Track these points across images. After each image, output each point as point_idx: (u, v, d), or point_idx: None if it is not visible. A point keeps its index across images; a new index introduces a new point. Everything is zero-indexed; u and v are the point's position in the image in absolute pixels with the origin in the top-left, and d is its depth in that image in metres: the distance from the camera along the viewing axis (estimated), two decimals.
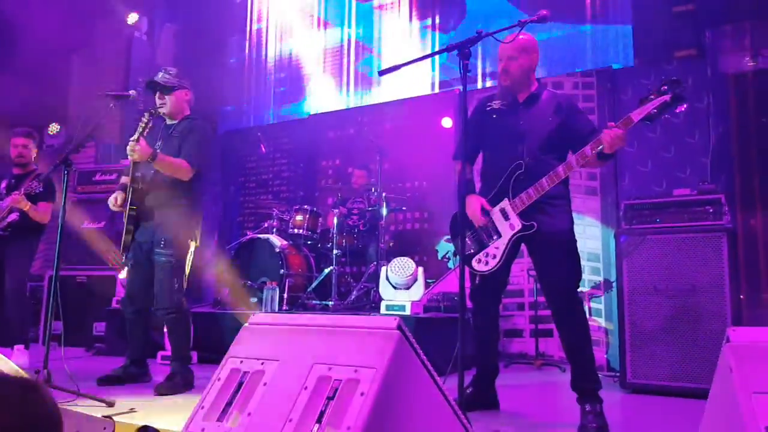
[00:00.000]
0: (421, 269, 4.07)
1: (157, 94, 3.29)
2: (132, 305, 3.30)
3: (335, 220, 4.89)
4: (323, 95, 6.75)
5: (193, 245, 3.29)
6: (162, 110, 3.29)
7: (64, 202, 2.99)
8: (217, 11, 7.60)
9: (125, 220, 3.19)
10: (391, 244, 5.22)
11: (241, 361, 1.47)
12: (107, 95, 3.36)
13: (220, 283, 5.32)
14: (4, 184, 4.21)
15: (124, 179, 3.33)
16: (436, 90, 6.02)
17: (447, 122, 5.54)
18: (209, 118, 7.38)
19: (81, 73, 7.61)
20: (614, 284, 3.78)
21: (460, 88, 2.30)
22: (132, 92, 3.23)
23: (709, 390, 1.52)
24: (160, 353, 4.16)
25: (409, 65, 2.29)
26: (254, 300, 4.75)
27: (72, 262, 5.19)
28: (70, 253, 5.05)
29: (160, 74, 3.33)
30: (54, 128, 7.04)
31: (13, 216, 4.04)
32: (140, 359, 3.36)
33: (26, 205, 3.96)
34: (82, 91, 7.48)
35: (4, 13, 7.24)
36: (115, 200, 3.23)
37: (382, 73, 2.28)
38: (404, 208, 5.40)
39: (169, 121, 3.35)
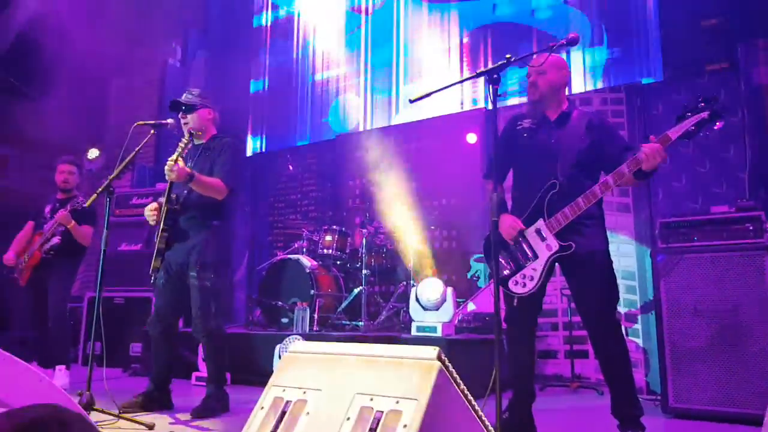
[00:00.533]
0: (450, 289, 4.06)
1: (180, 114, 3.33)
2: (160, 324, 3.29)
3: (363, 240, 4.92)
4: (351, 116, 6.83)
5: (226, 266, 3.31)
6: (188, 131, 3.29)
7: (107, 227, 3.07)
8: (246, 38, 7.80)
9: (157, 239, 3.20)
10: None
11: (284, 390, 1.49)
12: (146, 124, 3.47)
13: (252, 303, 5.38)
14: (48, 209, 4.38)
15: (160, 200, 3.35)
16: (466, 107, 6.03)
17: (472, 138, 5.55)
18: (240, 140, 7.56)
19: (117, 99, 7.88)
20: (652, 304, 3.70)
21: (488, 106, 2.31)
22: (170, 121, 3.30)
23: (756, 415, 1.47)
24: (195, 374, 4.22)
25: (439, 92, 2.31)
26: (285, 320, 4.79)
27: (109, 284, 5.32)
28: (107, 275, 5.17)
29: (184, 95, 3.39)
30: (93, 153, 7.25)
31: (56, 240, 4.18)
32: (163, 383, 3.32)
33: (70, 222, 4.09)
34: (118, 117, 7.73)
35: (44, 43, 7.55)
36: (150, 208, 3.23)
37: (413, 101, 2.30)
38: (433, 227, 5.40)
39: (197, 141, 3.37)
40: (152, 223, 3.27)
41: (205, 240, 3.21)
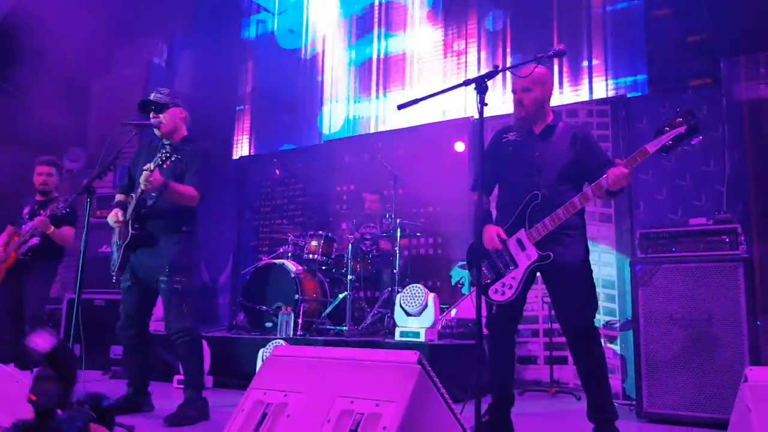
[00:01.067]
0: (432, 296, 4.08)
1: (152, 114, 3.24)
2: (131, 329, 3.25)
3: (349, 246, 4.93)
4: (338, 121, 6.86)
5: (197, 270, 3.29)
6: (159, 130, 3.23)
7: (87, 228, 3.04)
8: (234, 38, 7.80)
9: (119, 241, 3.16)
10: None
11: (265, 393, 1.50)
12: (130, 124, 3.44)
13: (236, 307, 5.36)
14: (27, 210, 4.31)
15: (120, 197, 3.29)
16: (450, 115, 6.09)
17: (459, 146, 5.59)
18: (226, 143, 7.54)
19: (100, 98, 7.81)
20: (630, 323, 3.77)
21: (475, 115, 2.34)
22: (154, 120, 3.25)
23: (725, 420, 1.52)
24: (176, 377, 4.19)
25: (427, 99, 2.34)
26: (269, 325, 4.78)
27: (89, 286, 5.26)
28: (87, 277, 5.11)
29: (153, 94, 3.30)
30: (73, 154, 7.19)
31: (34, 240, 4.13)
32: (142, 386, 3.28)
33: (50, 228, 4.04)
34: (101, 117, 7.66)
35: (25, 39, 7.48)
36: (116, 215, 3.17)
37: (401, 107, 2.34)
38: (419, 234, 5.43)
39: (166, 141, 3.26)
40: (115, 227, 3.21)
41: (175, 245, 3.16)
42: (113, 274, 3.25)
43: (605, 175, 2.42)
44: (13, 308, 4.19)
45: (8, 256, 4.14)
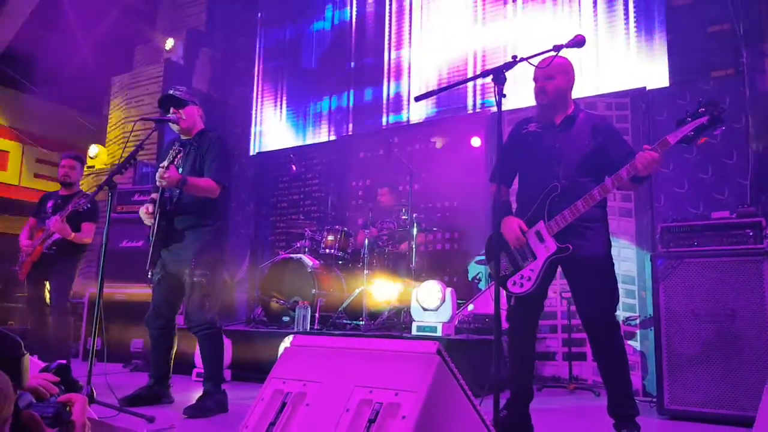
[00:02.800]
0: (449, 291, 4.06)
1: (171, 110, 3.30)
2: (157, 320, 3.31)
3: (366, 241, 4.94)
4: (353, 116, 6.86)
5: (222, 264, 3.31)
6: (178, 125, 3.29)
7: (108, 223, 3.09)
8: (251, 35, 7.84)
9: (152, 238, 3.22)
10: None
11: (284, 382, 1.51)
12: (149, 119, 3.50)
13: (254, 301, 5.40)
14: (50, 204, 4.38)
15: (155, 195, 3.34)
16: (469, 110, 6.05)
17: (476, 141, 5.56)
18: (243, 138, 7.59)
19: (120, 97, 7.91)
20: (651, 320, 3.71)
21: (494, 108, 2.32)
22: (173, 116, 3.31)
23: (750, 417, 1.49)
24: (195, 370, 4.23)
25: (444, 91, 2.33)
26: (286, 319, 4.81)
27: (110, 280, 5.33)
28: (108, 271, 5.18)
29: (171, 91, 3.37)
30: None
31: (57, 235, 4.19)
32: (163, 378, 3.34)
33: (70, 235, 4.12)
34: (121, 115, 7.76)
35: (47, 40, 7.60)
36: (146, 209, 3.23)
37: (418, 98, 2.32)
38: (435, 229, 5.41)
39: (184, 137, 3.35)
40: (148, 223, 3.28)
41: (200, 240, 3.21)
42: (147, 270, 3.31)
43: (629, 165, 2.38)
44: (38, 301, 4.27)
45: (33, 250, 4.22)
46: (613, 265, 2.59)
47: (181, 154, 3.23)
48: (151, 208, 3.24)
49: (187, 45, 7.65)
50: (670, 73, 4.85)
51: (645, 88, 4.88)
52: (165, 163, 3.11)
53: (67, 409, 0.95)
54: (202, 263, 3.18)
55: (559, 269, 2.67)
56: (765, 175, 4.18)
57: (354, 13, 7.00)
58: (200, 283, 3.16)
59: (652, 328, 3.46)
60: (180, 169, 3.19)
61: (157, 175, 3.07)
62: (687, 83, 4.66)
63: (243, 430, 1.44)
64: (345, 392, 1.39)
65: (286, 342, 3.94)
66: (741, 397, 2.95)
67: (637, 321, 4.41)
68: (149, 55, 7.94)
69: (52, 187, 4.77)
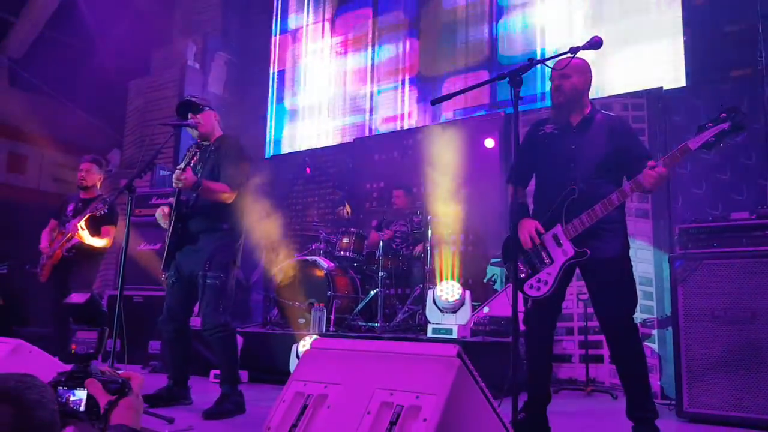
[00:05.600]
0: (468, 293, 4.07)
1: (190, 115, 3.33)
2: (172, 323, 3.33)
3: (380, 243, 4.95)
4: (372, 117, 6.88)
5: (234, 267, 3.32)
6: (197, 130, 3.32)
7: (128, 227, 3.14)
8: (265, 38, 7.90)
9: (167, 240, 3.25)
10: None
11: (305, 384, 1.52)
12: (168, 124, 3.55)
13: (269, 303, 5.43)
14: (71, 207, 4.44)
15: (171, 200, 3.41)
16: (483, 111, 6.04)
17: (489, 142, 5.55)
18: (259, 140, 7.65)
19: (137, 100, 8.01)
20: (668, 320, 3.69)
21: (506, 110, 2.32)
22: (191, 121, 3.35)
23: None
24: (212, 372, 4.27)
25: (460, 94, 2.34)
26: (302, 321, 4.83)
27: (129, 283, 5.39)
28: (127, 274, 5.25)
29: (187, 97, 3.43)
30: (115, 155, 7.38)
31: (77, 239, 4.25)
32: (182, 379, 3.36)
33: (87, 239, 4.17)
34: (138, 119, 7.86)
35: (65, 46, 7.72)
36: (162, 211, 3.28)
37: (434, 102, 2.33)
38: (449, 231, 5.40)
39: (205, 143, 3.39)
40: (164, 226, 3.32)
41: (215, 243, 3.23)
42: (162, 271, 3.35)
43: (630, 182, 2.39)
44: (59, 304, 4.33)
45: (54, 253, 4.28)
46: (631, 267, 2.58)
47: (197, 157, 3.28)
48: (167, 210, 3.28)
49: (203, 49, 7.73)
50: (687, 72, 4.80)
51: (662, 87, 4.83)
52: (182, 165, 3.14)
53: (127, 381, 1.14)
54: (215, 265, 3.19)
55: (577, 270, 2.66)
56: None
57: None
58: (213, 285, 3.18)
59: (670, 328, 3.43)
60: (199, 174, 3.22)
61: (174, 176, 3.12)
62: (704, 83, 4.61)
63: (265, 431, 1.46)
64: (366, 395, 1.41)
65: (303, 344, 3.96)
66: (762, 400, 2.92)
67: (654, 322, 4.37)
68: (166, 60, 8.03)
69: (72, 191, 4.85)
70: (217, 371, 4.00)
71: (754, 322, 3.03)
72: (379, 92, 6.82)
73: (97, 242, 4.27)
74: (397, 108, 6.66)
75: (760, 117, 4.25)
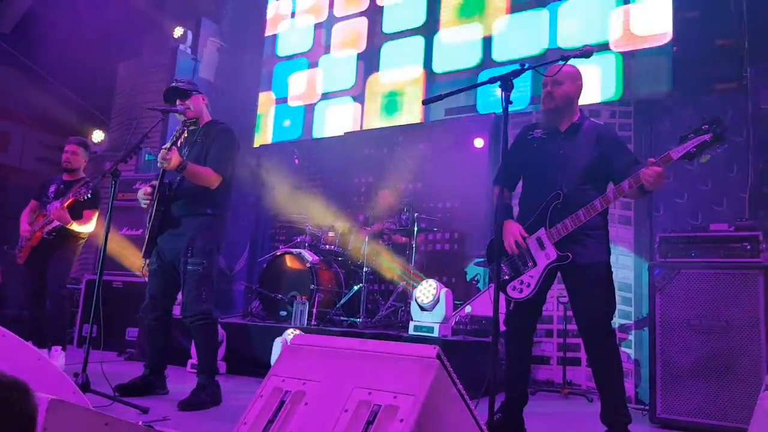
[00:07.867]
0: (444, 291, 4.07)
1: (178, 101, 3.31)
2: (153, 311, 3.29)
3: (366, 238, 4.95)
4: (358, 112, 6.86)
5: (217, 254, 3.28)
6: (185, 116, 3.29)
7: (110, 211, 3.10)
8: (259, 27, 7.83)
9: (148, 225, 3.20)
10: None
11: (283, 380, 1.52)
12: (156, 109, 3.50)
13: (251, 294, 5.41)
14: (53, 189, 4.36)
15: (153, 182, 3.35)
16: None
17: (479, 142, 5.57)
18: (248, 129, 7.59)
19: (125, 82, 7.89)
20: (646, 320, 3.75)
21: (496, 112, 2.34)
22: (180, 107, 3.31)
23: (742, 429, 1.51)
24: (189, 362, 4.25)
25: (452, 95, 2.34)
26: (284, 313, 4.83)
27: (108, 268, 5.34)
28: (107, 259, 5.18)
29: (174, 83, 3.39)
30: (98, 137, 7.30)
31: (57, 222, 4.18)
32: (159, 368, 3.33)
33: (70, 224, 4.11)
34: (126, 101, 7.75)
35: (53, 19, 7.57)
36: (144, 191, 3.22)
37: (426, 102, 2.34)
38: (435, 229, 5.43)
39: (192, 127, 3.35)
40: (144, 206, 3.27)
41: (198, 228, 3.18)
42: (143, 257, 3.29)
43: (632, 176, 2.40)
44: (36, 287, 4.27)
45: (33, 235, 4.21)
46: (611, 273, 2.62)
47: (184, 138, 3.23)
48: (149, 190, 3.22)
49: (195, 34, 7.64)
50: (674, 83, 4.86)
51: (649, 97, 4.89)
52: (168, 145, 3.08)
53: None
54: (197, 251, 3.15)
55: (558, 274, 2.69)
56: (764, 189, 4.21)
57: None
58: (195, 271, 3.14)
59: (646, 328, 3.49)
60: (184, 156, 3.18)
61: (159, 155, 3.06)
62: (690, 95, 4.68)
63: (241, 426, 1.46)
64: (344, 393, 1.41)
65: (283, 337, 3.96)
66: (733, 409, 2.99)
67: (632, 328, 4.44)
68: (158, 43, 7.92)
69: (55, 171, 4.76)
70: (194, 361, 3.97)
71: (727, 332, 3.10)
72: None
73: (79, 227, 4.21)
74: None
75: (743, 130, 4.33)
